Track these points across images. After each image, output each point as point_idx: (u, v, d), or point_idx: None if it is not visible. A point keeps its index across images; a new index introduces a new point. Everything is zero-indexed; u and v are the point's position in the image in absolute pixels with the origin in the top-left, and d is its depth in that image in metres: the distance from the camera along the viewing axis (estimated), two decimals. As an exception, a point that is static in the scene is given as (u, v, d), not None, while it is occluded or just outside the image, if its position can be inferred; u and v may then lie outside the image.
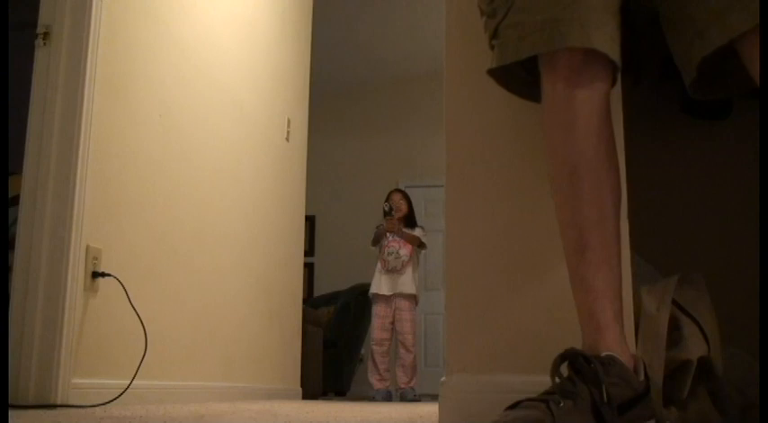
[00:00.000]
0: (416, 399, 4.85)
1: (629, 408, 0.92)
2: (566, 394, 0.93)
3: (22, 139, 2.36)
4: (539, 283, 1.54)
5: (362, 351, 6.02)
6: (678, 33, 1.08)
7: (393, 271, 4.95)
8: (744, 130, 1.91)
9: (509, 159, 1.59)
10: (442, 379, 1.56)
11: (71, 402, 2.21)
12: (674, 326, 1.53)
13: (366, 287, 5.31)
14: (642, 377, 0.96)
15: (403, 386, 4.89)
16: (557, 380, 0.96)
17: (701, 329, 1.53)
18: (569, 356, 0.95)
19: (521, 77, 1.22)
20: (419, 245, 5.07)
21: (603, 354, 0.95)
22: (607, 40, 1.06)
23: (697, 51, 1.03)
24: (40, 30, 2.41)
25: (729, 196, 1.84)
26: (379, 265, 5.06)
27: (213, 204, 3.29)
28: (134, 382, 2.47)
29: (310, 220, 6.73)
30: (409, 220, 5.10)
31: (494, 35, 1.18)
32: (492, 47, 1.20)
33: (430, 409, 2.53)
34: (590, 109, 1.07)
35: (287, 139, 4.16)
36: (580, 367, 0.94)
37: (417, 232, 5.06)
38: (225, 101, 3.45)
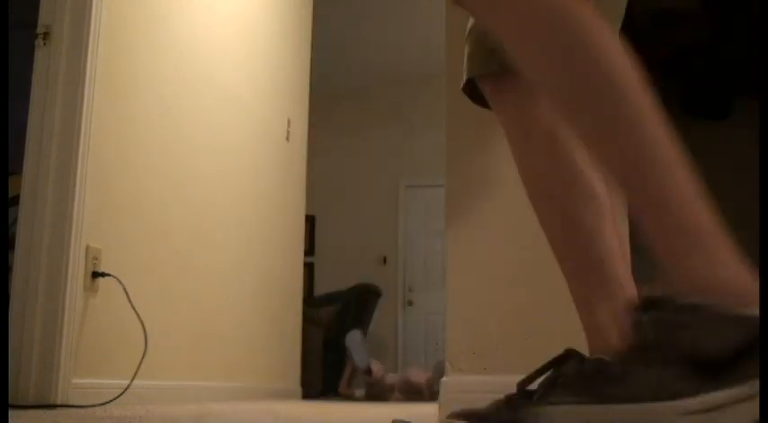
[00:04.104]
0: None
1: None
2: (524, 394, 0.93)
3: (22, 139, 2.36)
4: (539, 283, 1.54)
5: (362, 351, 6.01)
6: None
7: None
8: (744, 130, 1.91)
9: (509, 160, 1.59)
10: (443, 379, 1.56)
11: (71, 402, 2.21)
12: (674, 326, 1.53)
13: (366, 287, 5.30)
14: None
15: None
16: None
17: (702, 329, 1.53)
18: (565, 358, 0.93)
19: None
20: None
21: (593, 357, 0.93)
22: (472, 62, 1.05)
23: None
24: (40, 30, 2.41)
25: (729, 196, 1.84)
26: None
27: (213, 204, 3.29)
28: (134, 382, 2.47)
29: (310, 220, 6.73)
30: None
31: None
32: None
33: (430, 410, 2.53)
34: (515, 130, 1.06)
35: (287, 139, 4.16)
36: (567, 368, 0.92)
37: None
38: (225, 101, 3.45)
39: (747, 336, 0.73)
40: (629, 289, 0.97)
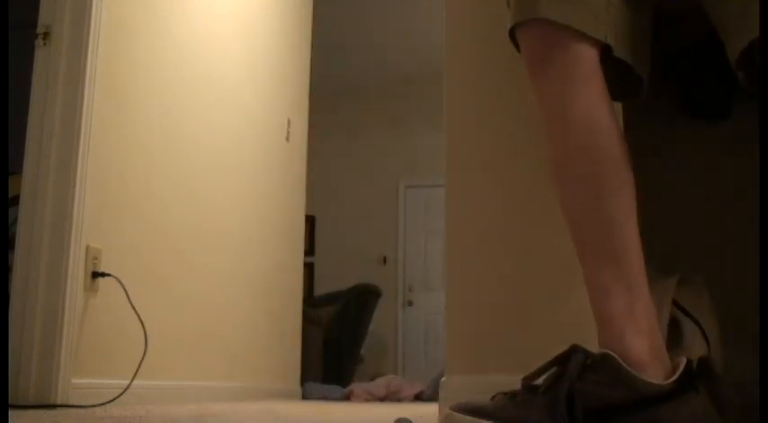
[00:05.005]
0: None
1: (625, 411, 0.88)
2: (529, 389, 0.93)
3: (22, 139, 2.36)
4: (539, 283, 1.54)
5: (363, 351, 6.02)
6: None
7: None
8: (744, 130, 1.90)
9: (509, 159, 1.59)
10: (442, 379, 1.56)
11: (71, 402, 2.21)
12: (674, 326, 1.53)
13: (366, 287, 5.30)
14: (665, 380, 0.87)
15: None
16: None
17: (701, 329, 1.53)
18: (570, 353, 0.93)
19: None
20: None
21: (598, 351, 0.93)
22: (588, 17, 0.97)
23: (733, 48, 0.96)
24: (40, 30, 2.41)
25: (729, 196, 1.84)
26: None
27: (213, 204, 3.29)
28: (134, 382, 2.47)
29: (310, 220, 6.73)
30: None
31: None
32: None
33: (430, 410, 2.52)
34: (562, 97, 0.98)
35: (287, 139, 4.16)
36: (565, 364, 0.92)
37: None
38: (225, 101, 3.45)
39: (628, 397, 0.86)
40: (645, 284, 0.95)
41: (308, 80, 4.54)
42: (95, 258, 2.41)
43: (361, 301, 5.64)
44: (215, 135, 3.33)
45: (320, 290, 6.71)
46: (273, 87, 4.03)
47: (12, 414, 1.78)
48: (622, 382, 0.87)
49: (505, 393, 0.96)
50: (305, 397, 4.33)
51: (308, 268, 6.70)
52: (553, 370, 0.93)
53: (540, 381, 0.94)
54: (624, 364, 0.88)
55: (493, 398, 0.97)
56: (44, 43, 2.39)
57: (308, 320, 4.61)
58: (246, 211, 3.63)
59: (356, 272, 6.50)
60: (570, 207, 0.99)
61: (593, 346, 0.94)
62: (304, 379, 4.34)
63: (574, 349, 0.93)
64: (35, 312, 2.22)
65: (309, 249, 6.65)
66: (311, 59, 4.58)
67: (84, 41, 2.40)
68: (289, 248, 4.16)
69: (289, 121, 4.19)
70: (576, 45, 0.97)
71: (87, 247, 2.37)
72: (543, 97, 1.01)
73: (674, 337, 1.46)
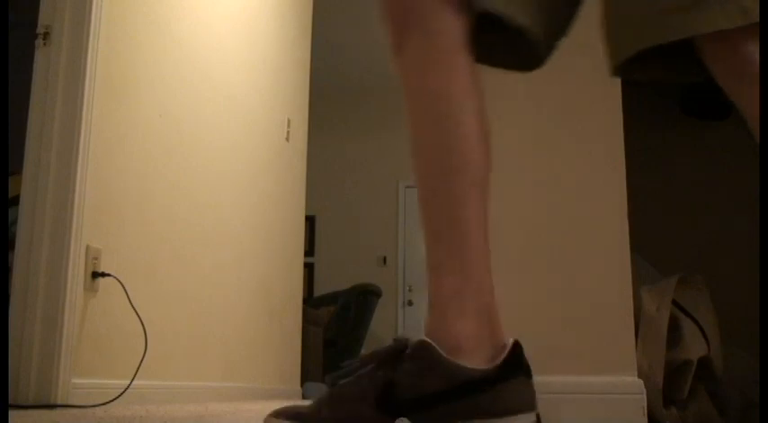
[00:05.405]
0: None
1: (444, 400, 0.82)
2: (345, 384, 0.88)
3: (22, 140, 2.36)
4: (537, 283, 1.54)
5: (363, 351, 6.02)
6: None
7: None
8: (743, 131, 1.91)
9: (508, 159, 1.59)
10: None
11: (71, 402, 2.21)
12: (674, 326, 1.53)
13: (366, 287, 5.30)
14: (486, 367, 0.83)
15: None
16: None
17: (701, 329, 1.53)
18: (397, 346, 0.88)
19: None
20: None
21: (417, 339, 0.86)
22: None
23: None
24: (40, 30, 2.41)
25: (729, 196, 1.85)
26: None
27: (213, 204, 3.29)
28: (134, 382, 2.47)
29: (310, 220, 6.72)
30: None
31: None
32: None
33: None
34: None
35: (287, 139, 4.16)
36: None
37: None
38: (225, 101, 3.45)
39: (447, 385, 0.81)
40: (483, 268, 0.91)
41: (307, 80, 4.54)
42: (95, 258, 2.41)
43: (361, 301, 5.64)
44: (215, 135, 3.33)
45: (320, 290, 6.71)
46: (273, 87, 4.03)
47: (12, 414, 1.78)
48: (437, 369, 0.82)
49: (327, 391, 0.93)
50: (305, 397, 4.33)
51: (308, 268, 6.70)
52: (372, 364, 0.87)
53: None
54: (439, 351, 0.83)
55: (314, 402, 0.95)
56: (44, 43, 2.39)
57: (308, 320, 4.61)
58: (246, 211, 3.63)
59: (356, 272, 6.50)
60: (420, 180, 0.96)
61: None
62: (304, 379, 4.35)
63: (395, 340, 0.89)
64: (35, 312, 2.23)
65: (309, 249, 6.65)
66: (311, 59, 4.59)
67: (84, 41, 2.40)
68: (289, 248, 4.16)
69: (289, 121, 4.19)
70: (439, 14, 0.94)
71: (87, 247, 2.37)
72: (403, 68, 0.99)
73: (674, 337, 1.46)
